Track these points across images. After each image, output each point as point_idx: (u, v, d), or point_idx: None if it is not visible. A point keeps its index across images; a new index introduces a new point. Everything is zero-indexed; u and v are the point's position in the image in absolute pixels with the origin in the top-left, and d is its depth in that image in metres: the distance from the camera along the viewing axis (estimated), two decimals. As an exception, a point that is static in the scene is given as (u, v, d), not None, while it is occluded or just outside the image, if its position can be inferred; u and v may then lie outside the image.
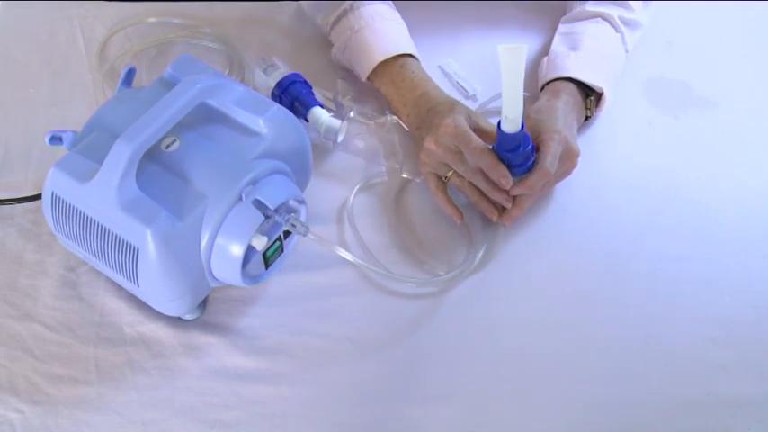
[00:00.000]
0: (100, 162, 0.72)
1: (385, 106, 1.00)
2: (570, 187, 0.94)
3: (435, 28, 1.09)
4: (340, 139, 0.96)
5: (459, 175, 0.89)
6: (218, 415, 0.77)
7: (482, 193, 0.89)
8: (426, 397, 0.79)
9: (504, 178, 0.85)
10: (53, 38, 1.08)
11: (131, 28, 1.08)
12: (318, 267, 0.87)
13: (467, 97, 1.03)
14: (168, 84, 0.82)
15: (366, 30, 0.98)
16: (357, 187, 0.93)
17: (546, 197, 0.94)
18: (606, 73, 0.97)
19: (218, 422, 0.77)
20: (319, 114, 0.95)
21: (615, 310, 0.86)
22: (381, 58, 0.96)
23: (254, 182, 0.76)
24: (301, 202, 0.80)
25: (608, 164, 0.98)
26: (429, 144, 0.89)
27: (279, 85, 0.97)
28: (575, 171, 0.92)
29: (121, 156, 0.71)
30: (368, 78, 0.98)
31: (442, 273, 0.87)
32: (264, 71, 0.99)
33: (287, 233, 0.79)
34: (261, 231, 0.75)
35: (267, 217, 0.75)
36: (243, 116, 0.80)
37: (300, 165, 0.84)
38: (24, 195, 0.89)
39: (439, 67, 1.06)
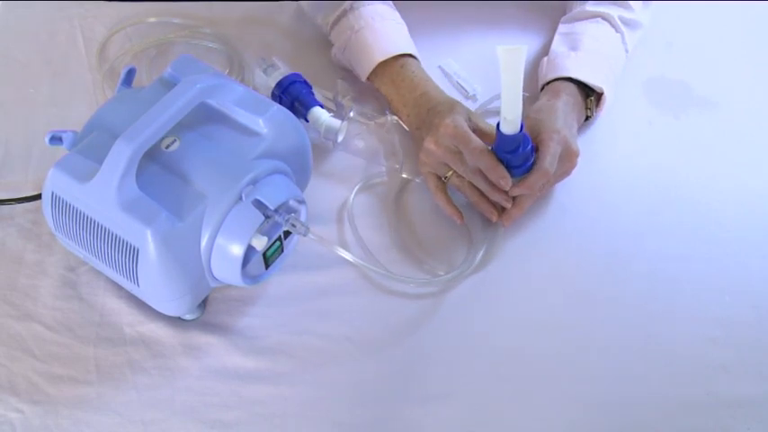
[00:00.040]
0: (100, 162, 0.72)
1: (385, 106, 1.00)
2: (570, 187, 0.94)
3: (435, 28, 1.09)
4: (340, 139, 0.96)
5: (459, 176, 0.89)
6: (218, 415, 0.77)
7: (482, 194, 0.89)
8: (426, 397, 0.79)
9: (503, 179, 0.85)
10: (53, 38, 1.08)
11: (131, 28, 1.08)
12: (318, 267, 0.87)
13: (467, 97, 1.03)
14: (168, 84, 0.82)
15: (366, 30, 0.98)
16: (357, 187, 0.93)
17: (546, 197, 0.94)
18: (606, 73, 0.97)
19: (218, 422, 0.77)
20: (319, 114, 0.95)
21: (615, 310, 0.86)
22: (381, 58, 0.96)
23: (254, 182, 0.76)
24: (301, 202, 0.80)
25: (608, 164, 0.98)
26: (429, 144, 0.89)
27: (279, 85, 0.97)
28: (574, 171, 0.92)
29: (121, 156, 0.71)
30: (368, 78, 0.98)
31: (442, 273, 0.87)
32: (264, 71, 0.99)
33: (287, 233, 0.79)
34: (261, 231, 0.75)
35: (267, 217, 0.75)
36: (243, 116, 0.80)
37: (300, 165, 0.84)
38: (24, 195, 0.89)
39: (439, 67, 1.06)
